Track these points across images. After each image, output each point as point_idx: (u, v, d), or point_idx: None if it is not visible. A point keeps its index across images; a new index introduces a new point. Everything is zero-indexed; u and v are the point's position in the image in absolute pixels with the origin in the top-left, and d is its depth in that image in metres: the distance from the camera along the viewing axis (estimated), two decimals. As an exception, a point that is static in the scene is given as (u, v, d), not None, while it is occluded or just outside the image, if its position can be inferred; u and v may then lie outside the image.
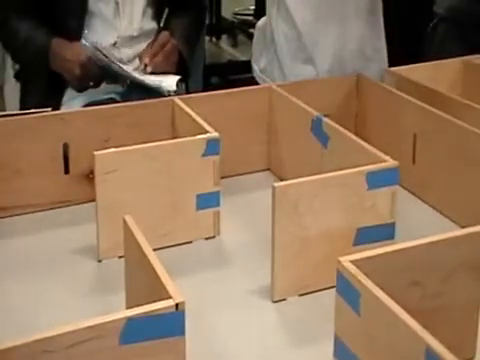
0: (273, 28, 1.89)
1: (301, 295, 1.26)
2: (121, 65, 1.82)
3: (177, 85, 1.78)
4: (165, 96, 1.66)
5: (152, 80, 1.79)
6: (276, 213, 1.21)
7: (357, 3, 1.88)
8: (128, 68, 1.83)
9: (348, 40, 1.88)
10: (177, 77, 1.81)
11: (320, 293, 1.24)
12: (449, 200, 1.52)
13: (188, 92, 1.81)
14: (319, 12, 1.84)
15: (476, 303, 1.09)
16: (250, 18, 5.08)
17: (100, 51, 1.78)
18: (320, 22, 1.86)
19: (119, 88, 1.88)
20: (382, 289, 0.93)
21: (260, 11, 4.54)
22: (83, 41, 1.83)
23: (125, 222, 1.12)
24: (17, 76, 2.14)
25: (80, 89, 1.86)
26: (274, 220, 1.22)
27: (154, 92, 1.74)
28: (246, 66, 3.95)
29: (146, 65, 1.84)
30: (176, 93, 1.73)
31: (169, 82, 1.78)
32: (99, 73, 1.82)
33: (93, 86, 1.84)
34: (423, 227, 1.36)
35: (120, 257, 1.27)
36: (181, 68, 1.94)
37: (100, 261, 1.35)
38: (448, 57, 1.94)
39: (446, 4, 2.40)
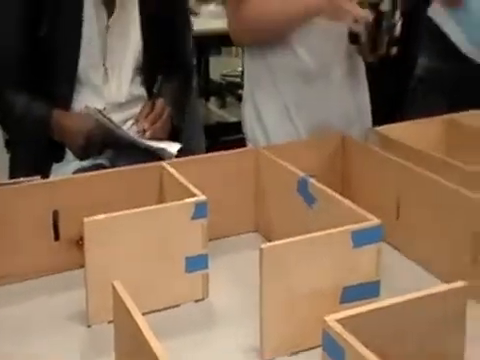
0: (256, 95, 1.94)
1: (291, 354, 1.26)
2: (124, 129, 1.86)
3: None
4: (156, 160, 1.66)
5: (155, 145, 1.82)
6: (263, 274, 1.22)
7: (341, 68, 1.92)
8: (130, 132, 1.86)
9: (333, 103, 1.91)
10: (179, 145, 1.83)
11: (310, 352, 1.24)
12: (432, 256, 1.52)
13: (177, 156, 1.83)
14: (305, 78, 1.88)
15: (458, 352, 1.11)
16: (238, 79, 5.14)
17: (104, 115, 1.81)
18: (306, 86, 1.89)
19: (108, 153, 1.90)
20: (367, 346, 0.94)
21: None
22: (88, 105, 1.84)
23: (114, 287, 1.13)
24: (7, 144, 2.16)
25: (82, 158, 1.87)
26: (262, 281, 1.22)
27: (141, 157, 1.74)
28: (235, 127, 3.99)
29: (145, 131, 1.87)
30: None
31: (172, 148, 1.81)
32: (102, 141, 1.84)
33: (96, 154, 1.86)
34: (407, 282, 1.36)
35: (109, 322, 1.25)
36: (171, 132, 1.97)
37: (89, 326, 1.34)
38: (429, 116, 1.95)
39: (425, 65, 2.42)
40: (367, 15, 1.65)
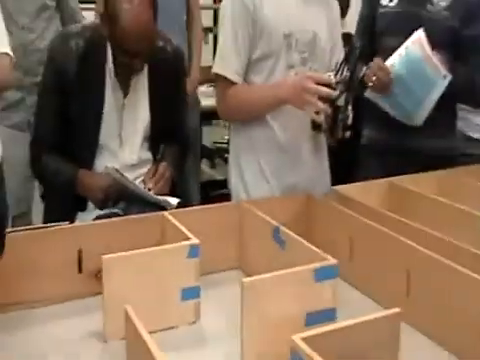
0: (240, 160, 1.95)
1: None
2: (136, 184, 1.86)
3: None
4: (162, 210, 1.66)
5: (160, 198, 1.82)
6: (244, 303, 1.23)
7: (308, 140, 1.92)
8: (140, 187, 1.86)
9: (301, 169, 1.91)
10: (178, 199, 1.83)
11: None
12: (376, 289, 1.53)
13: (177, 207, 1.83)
14: (280, 148, 1.89)
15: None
16: (225, 145, 5.13)
17: (120, 173, 1.82)
18: (280, 154, 1.89)
19: (122, 205, 1.88)
20: (325, 359, 0.98)
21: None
22: (108, 165, 1.85)
23: (126, 311, 1.15)
24: (42, 197, 2.15)
25: (100, 208, 1.87)
26: (242, 308, 1.23)
27: (148, 208, 1.75)
28: (222, 184, 4.01)
29: (150, 189, 1.87)
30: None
31: (172, 202, 1.81)
32: (117, 195, 1.84)
33: (112, 205, 1.85)
34: (357, 310, 1.31)
35: (122, 338, 1.26)
36: (172, 188, 1.97)
37: (106, 342, 1.35)
38: (372, 177, 1.96)
39: (368, 135, 2.39)
40: (326, 108, 1.64)
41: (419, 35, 2.03)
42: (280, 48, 1.81)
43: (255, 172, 1.91)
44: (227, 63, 1.83)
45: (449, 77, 2.02)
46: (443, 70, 2.02)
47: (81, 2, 3.04)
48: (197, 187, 3.20)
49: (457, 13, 2.09)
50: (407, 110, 2.15)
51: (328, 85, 1.64)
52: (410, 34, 2.08)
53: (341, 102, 1.66)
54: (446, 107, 2.16)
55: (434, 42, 2.05)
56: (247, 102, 1.87)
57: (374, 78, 2.08)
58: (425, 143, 2.17)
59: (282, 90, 1.77)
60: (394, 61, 2.08)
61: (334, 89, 1.64)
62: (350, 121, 1.68)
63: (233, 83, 1.83)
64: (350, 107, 1.67)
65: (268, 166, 1.90)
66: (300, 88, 1.68)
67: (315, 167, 1.94)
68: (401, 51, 2.06)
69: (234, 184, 1.96)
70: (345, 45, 1.97)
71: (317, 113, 1.66)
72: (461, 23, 2.10)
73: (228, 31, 1.81)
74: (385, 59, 2.12)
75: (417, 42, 2.03)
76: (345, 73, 1.65)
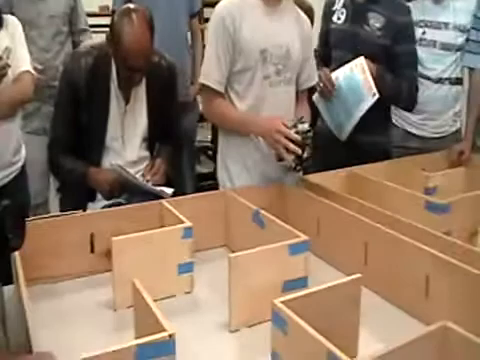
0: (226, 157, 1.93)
1: (249, 326, 1.28)
2: (137, 177, 1.85)
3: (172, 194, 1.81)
4: (159, 200, 1.65)
5: (157, 189, 1.82)
6: (231, 274, 1.24)
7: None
8: (140, 180, 1.85)
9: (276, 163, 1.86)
10: (173, 189, 1.82)
11: (262, 324, 1.26)
12: (340, 259, 1.54)
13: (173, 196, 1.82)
14: (261, 155, 1.84)
15: (356, 322, 1.15)
16: (208, 144, 5.14)
17: (123, 168, 1.82)
18: (259, 157, 1.85)
19: (125, 195, 1.87)
20: (300, 318, 0.99)
21: (215, 140, 4.61)
22: (112, 162, 1.85)
23: (133, 283, 1.15)
24: (58, 190, 2.14)
25: (107, 198, 1.87)
26: (230, 279, 1.24)
27: (149, 198, 1.71)
28: (206, 176, 4.00)
29: (148, 180, 1.87)
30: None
31: (168, 191, 1.80)
32: (121, 187, 1.84)
33: (117, 196, 1.85)
34: (324, 277, 1.32)
35: (128, 307, 1.27)
36: (167, 180, 1.96)
37: (115, 310, 1.35)
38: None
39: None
40: (297, 150, 1.62)
41: (361, 61, 2.06)
42: (256, 62, 1.80)
43: (238, 165, 1.89)
44: (210, 75, 1.82)
45: (377, 96, 2.05)
46: (374, 89, 2.05)
47: (90, 26, 3.08)
48: (193, 179, 3.19)
49: (389, 33, 2.13)
50: (340, 119, 2.18)
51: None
52: (352, 49, 2.13)
53: (306, 152, 1.65)
54: (380, 111, 2.18)
55: (370, 56, 2.09)
56: (227, 122, 1.86)
57: (321, 84, 2.12)
58: (364, 139, 2.18)
59: (258, 129, 1.76)
60: (339, 74, 2.12)
61: (299, 145, 1.63)
62: (308, 154, 1.66)
63: (216, 91, 1.82)
64: (309, 151, 1.66)
65: (250, 161, 1.87)
66: (272, 137, 1.67)
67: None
68: (346, 69, 2.11)
69: (220, 176, 1.95)
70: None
71: (287, 152, 1.64)
72: (393, 41, 2.13)
73: (212, 49, 1.80)
74: (336, 68, 2.16)
75: (360, 66, 2.07)
76: (306, 126, 1.66)
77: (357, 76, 2.08)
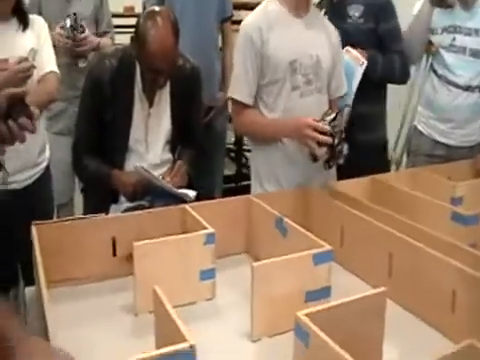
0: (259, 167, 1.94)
1: (271, 336, 1.26)
2: (160, 179, 1.85)
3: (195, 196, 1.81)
4: (184, 203, 1.65)
5: (180, 191, 1.81)
6: (254, 283, 1.23)
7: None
8: (163, 182, 1.84)
9: (310, 177, 1.86)
10: (196, 192, 1.82)
11: (284, 335, 1.24)
12: (364, 270, 1.52)
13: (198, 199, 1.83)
14: (289, 159, 1.85)
15: (380, 335, 1.13)
16: (232, 146, 5.02)
17: (147, 170, 1.81)
18: (291, 170, 1.87)
19: (148, 198, 1.86)
20: (323, 331, 0.97)
21: (238, 142, 4.57)
22: (136, 164, 1.85)
23: (154, 290, 1.14)
24: (82, 191, 2.15)
25: (131, 199, 1.87)
26: (253, 287, 1.23)
27: (172, 200, 1.73)
28: (230, 178, 3.96)
29: (168, 182, 1.85)
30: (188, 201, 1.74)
31: (191, 194, 1.80)
32: (143, 190, 1.83)
33: (139, 198, 1.85)
34: (349, 288, 1.35)
35: (150, 312, 1.24)
36: (189, 183, 1.96)
37: (136, 315, 1.34)
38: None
39: None
40: (327, 139, 1.63)
41: (345, 49, 2.15)
42: (285, 73, 1.80)
43: (268, 173, 1.91)
44: (239, 89, 1.84)
45: (365, 63, 2.14)
46: (361, 59, 2.15)
47: (115, 27, 3.06)
48: (220, 181, 3.20)
49: (371, 17, 2.22)
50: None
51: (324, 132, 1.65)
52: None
53: (336, 139, 1.66)
54: (376, 106, 2.28)
55: (360, 43, 2.18)
56: (258, 130, 1.89)
57: None
58: (362, 137, 2.20)
59: (288, 130, 1.78)
60: None
61: (331, 135, 1.64)
62: (345, 151, 1.68)
63: (245, 104, 1.84)
64: (345, 144, 1.67)
65: (279, 168, 1.88)
66: (302, 133, 1.67)
67: (316, 168, 1.82)
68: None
69: (253, 184, 1.97)
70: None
71: (319, 145, 1.64)
72: (376, 23, 2.22)
73: (240, 63, 1.83)
74: None
75: (344, 51, 2.14)
76: (339, 119, 1.67)
77: (344, 58, 2.14)
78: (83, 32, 2.64)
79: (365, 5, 2.23)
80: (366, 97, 2.03)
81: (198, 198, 1.79)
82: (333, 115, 1.67)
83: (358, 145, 2.10)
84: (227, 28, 3.02)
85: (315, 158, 1.69)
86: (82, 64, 2.71)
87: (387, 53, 2.25)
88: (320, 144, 1.64)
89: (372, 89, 2.12)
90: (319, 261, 1.29)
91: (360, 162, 1.85)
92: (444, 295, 1.27)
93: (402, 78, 2.34)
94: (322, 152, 1.65)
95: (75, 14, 2.62)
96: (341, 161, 1.70)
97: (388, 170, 2.41)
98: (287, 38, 1.81)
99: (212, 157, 2.88)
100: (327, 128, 1.64)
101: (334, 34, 1.94)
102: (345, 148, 1.68)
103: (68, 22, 2.61)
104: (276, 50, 1.79)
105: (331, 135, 1.64)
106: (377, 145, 2.37)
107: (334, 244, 1.36)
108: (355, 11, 2.24)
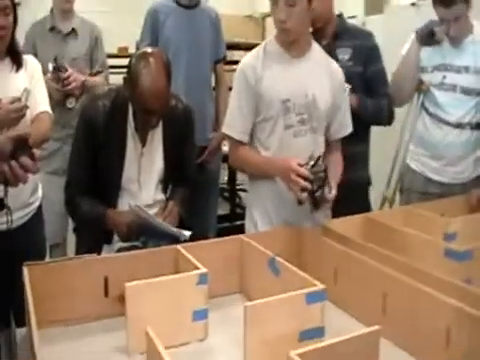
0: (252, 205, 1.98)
1: None
2: (155, 218, 1.85)
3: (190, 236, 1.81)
4: (177, 243, 1.65)
5: (174, 230, 1.81)
6: (247, 322, 1.22)
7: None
8: (159, 220, 1.84)
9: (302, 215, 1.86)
10: (190, 231, 1.82)
11: None
12: (358, 309, 1.51)
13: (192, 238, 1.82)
14: (281, 198, 1.87)
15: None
16: (225, 186, 5.05)
17: (141, 209, 1.82)
18: (283, 208, 1.88)
19: (142, 238, 1.86)
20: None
21: (231, 182, 4.61)
22: (131, 202, 1.85)
23: (147, 332, 1.13)
24: (74, 230, 2.14)
25: (125, 240, 1.86)
26: (245, 327, 1.22)
27: (166, 240, 1.73)
28: (222, 218, 3.96)
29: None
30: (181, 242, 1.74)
31: (186, 233, 1.80)
32: (138, 230, 1.83)
33: (134, 239, 1.85)
34: (342, 327, 1.32)
35: (142, 353, 1.25)
36: (180, 223, 1.96)
37: (129, 356, 1.33)
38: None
39: None
40: (307, 185, 1.66)
41: None
42: (278, 112, 1.84)
43: (260, 210, 1.94)
44: (233, 126, 1.89)
45: (349, 86, 2.15)
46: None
47: (109, 67, 3.13)
48: (214, 221, 3.19)
49: (359, 60, 2.27)
50: None
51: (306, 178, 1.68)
52: None
53: (315, 186, 1.69)
54: (361, 145, 2.33)
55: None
56: (251, 167, 1.95)
57: None
58: (347, 175, 2.15)
59: (275, 170, 1.82)
60: None
61: (310, 181, 1.67)
62: (331, 196, 1.71)
63: (240, 141, 1.89)
64: (328, 189, 1.70)
65: (270, 205, 1.91)
66: (286, 176, 1.71)
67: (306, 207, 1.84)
68: None
69: (247, 221, 2.00)
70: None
71: (302, 190, 1.68)
72: (364, 66, 2.28)
73: (235, 100, 1.89)
74: None
75: None
76: (320, 166, 1.70)
77: None
78: (66, 71, 2.69)
79: (353, 48, 2.28)
80: (352, 137, 2.05)
81: (192, 238, 1.79)
82: (312, 162, 1.69)
83: (340, 184, 2.14)
84: (220, 68, 3.07)
85: (300, 201, 1.72)
86: (70, 104, 2.76)
87: (374, 96, 2.30)
88: (302, 189, 1.67)
89: (358, 130, 2.13)
90: (312, 300, 1.29)
91: (341, 201, 1.83)
92: (438, 332, 1.27)
93: (389, 120, 2.40)
94: (304, 197, 1.68)
95: (56, 57, 2.68)
96: (324, 206, 1.73)
97: (368, 210, 2.38)
98: (281, 77, 1.85)
99: (206, 197, 2.89)
100: (307, 173, 1.67)
101: (337, 73, 1.96)
102: (328, 193, 1.70)
103: (50, 65, 2.66)
104: (269, 88, 1.83)
105: (311, 181, 1.67)
106: (361, 184, 2.38)
107: (328, 283, 1.36)
108: (344, 54, 2.28)
